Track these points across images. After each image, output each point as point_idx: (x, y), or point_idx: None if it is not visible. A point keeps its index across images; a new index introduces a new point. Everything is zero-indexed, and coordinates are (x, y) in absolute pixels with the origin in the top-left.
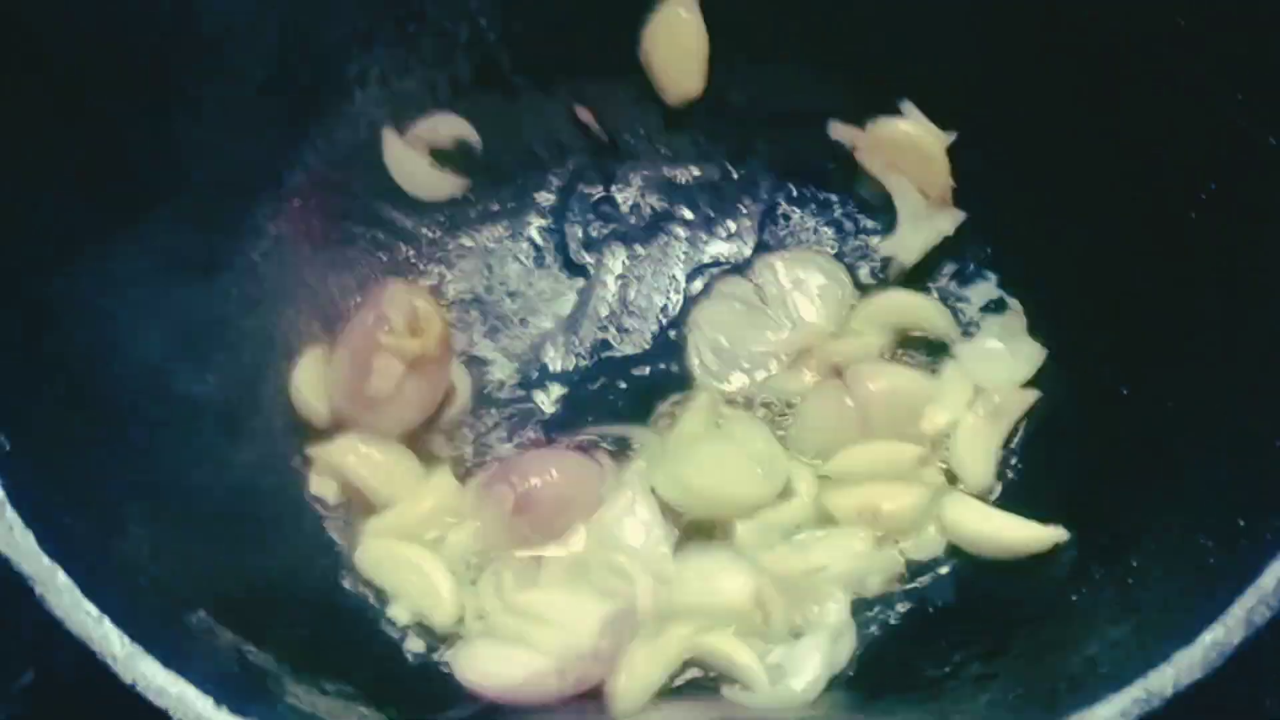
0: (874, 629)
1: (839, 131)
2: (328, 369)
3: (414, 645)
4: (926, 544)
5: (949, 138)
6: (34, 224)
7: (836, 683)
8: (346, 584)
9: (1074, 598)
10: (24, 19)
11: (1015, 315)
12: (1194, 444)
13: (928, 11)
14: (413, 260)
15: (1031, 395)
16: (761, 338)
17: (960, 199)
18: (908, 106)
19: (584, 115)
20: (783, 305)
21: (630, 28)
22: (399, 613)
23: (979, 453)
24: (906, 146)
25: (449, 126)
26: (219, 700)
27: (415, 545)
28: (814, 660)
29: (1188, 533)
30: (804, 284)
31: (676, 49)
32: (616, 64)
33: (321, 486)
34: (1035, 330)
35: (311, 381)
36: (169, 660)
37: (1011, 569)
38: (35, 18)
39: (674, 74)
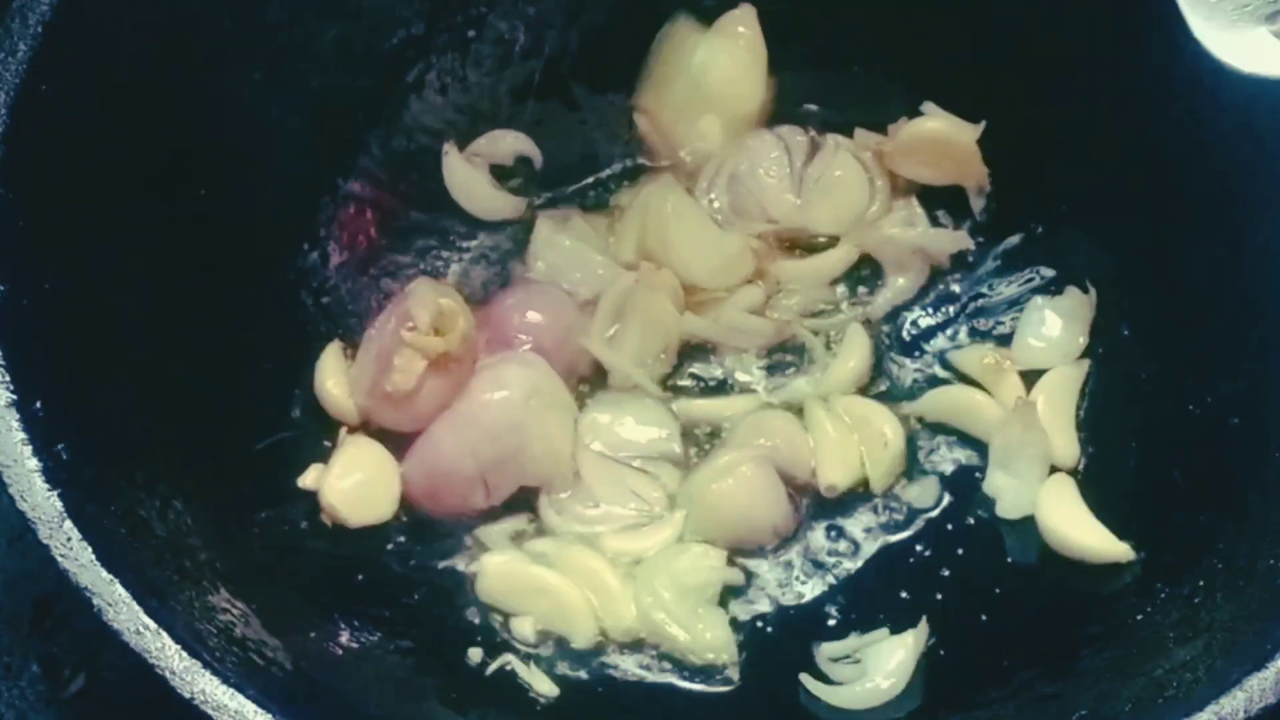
0: (933, 642)
1: (863, 139)
2: (352, 365)
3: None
4: (927, 492)
5: (978, 129)
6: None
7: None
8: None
9: (1139, 617)
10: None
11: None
12: (1261, 461)
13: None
14: (461, 272)
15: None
16: None
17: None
18: (929, 106)
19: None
20: None
21: None
22: (525, 627)
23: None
24: (938, 144)
25: (510, 142)
26: (278, 715)
27: (535, 564)
28: (899, 657)
29: (1254, 553)
30: None
31: (736, 66)
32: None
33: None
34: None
35: (335, 377)
36: (226, 674)
37: (1075, 585)
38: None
39: (733, 90)
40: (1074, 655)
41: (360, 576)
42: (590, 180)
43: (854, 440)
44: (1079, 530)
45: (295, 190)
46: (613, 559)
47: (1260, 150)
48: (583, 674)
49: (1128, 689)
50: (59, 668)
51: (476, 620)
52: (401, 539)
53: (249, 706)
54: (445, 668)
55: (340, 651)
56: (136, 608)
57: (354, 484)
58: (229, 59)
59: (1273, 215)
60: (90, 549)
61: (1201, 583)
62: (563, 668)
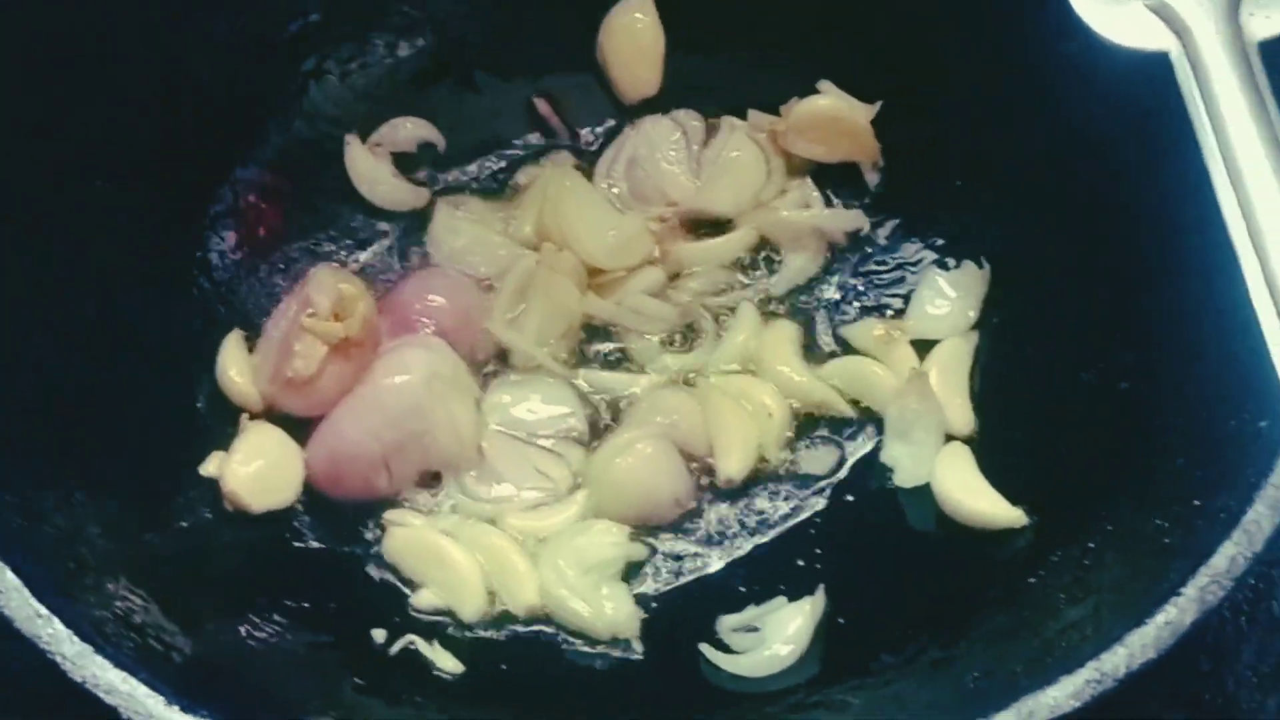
0: (831, 610)
1: (756, 120)
2: (256, 351)
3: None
4: (823, 459)
5: (873, 109)
6: None
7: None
8: None
9: (1031, 580)
10: None
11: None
12: (1149, 425)
13: None
14: (363, 258)
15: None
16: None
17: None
18: (825, 85)
19: (543, 108)
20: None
21: (590, 23)
22: (425, 599)
23: (954, 393)
24: (831, 122)
25: (412, 129)
26: (171, 699)
27: (442, 535)
28: (796, 624)
29: (1144, 514)
30: None
31: (633, 50)
32: (576, 60)
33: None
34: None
35: (237, 365)
36: (120, 659)
37: (970, 551)
38: None
39: (631, 75)
40: (969, 620)
41: (264, 562)
42: (492, 163)
43: (749, 424)
44: (974, 497)
45: (193, 179)
46: (517, 537)
47: (1143, 123)
48: (487, 651)
49: (1020, 650)
50: None
51: (380, 601)
52: (304, 524)
53: (140, 689)
54: (350, 650)
55: (243, 636)
56: (27, 594)
57: (255, 470)
58: (123, 47)
59: (1158, 186)
60: None
61: (1092, 545)
62: (468, 645)
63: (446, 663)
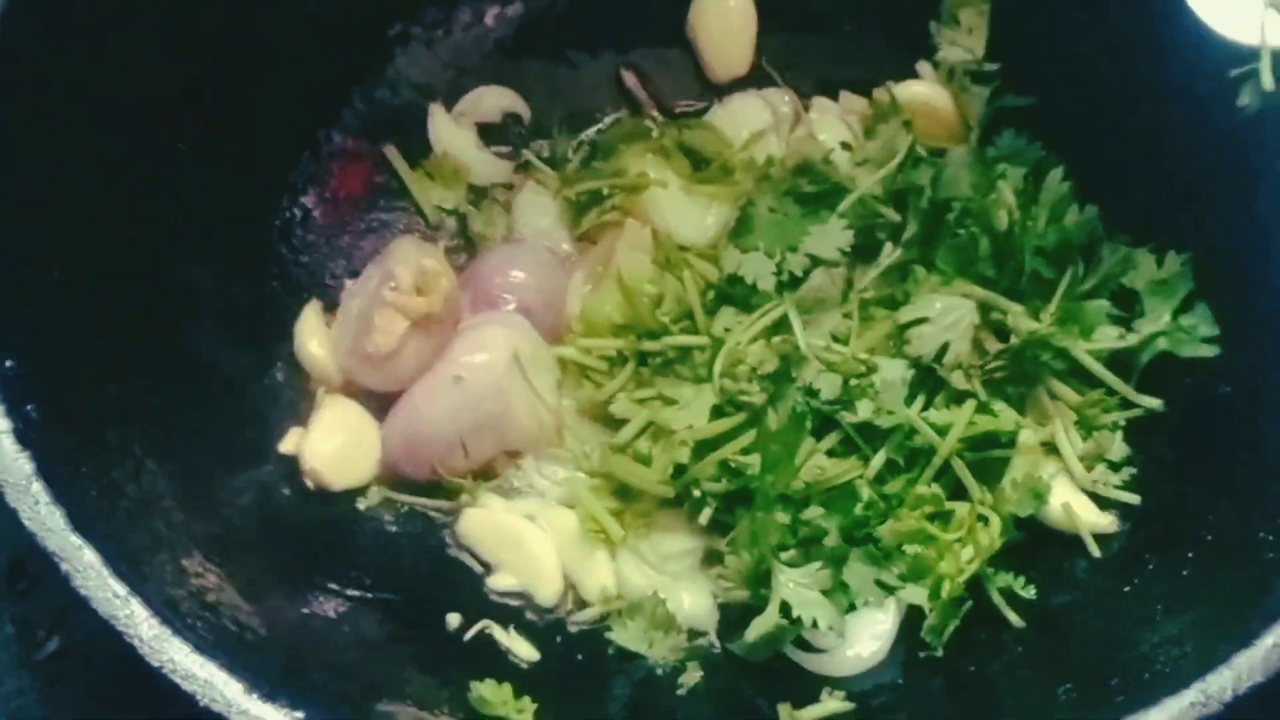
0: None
1: (849, 102)
2: (333, 324)
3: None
4: None
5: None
6: (71, 194)
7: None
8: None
9: (1126, 589)
10: None
11: None
12: (1252, 430)
13: None
14: (446, 231)
15: None
16: None
17: None
18: (924, 68)
19: (630, 81)
20: None
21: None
22: (502, 581)
23: None
24: (925, 108)
25: (497, 99)
26: (250, 686)
27: (519, 518)
28: (879, 625)
29: (1246, 525)
30: None
31: (724, 30)
32: (665, 34)
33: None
34: None
35: (316, 337)
36: (199, 644)
37: (1060, 555)
38: None
39: (721, 55)
40: (1060, 627)
41: (339, 540)
42: (578, 136)
43: None
44: (1063, 500)
45: (276, 144)
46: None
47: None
48: (562, 640)
49: (1116, 663)
50: (33, 629)
51: (455, 584)
52: (380, 501)
53: (219, 675)
54: (424, 633)
55: (317, 617)
56: (105, 573)
57: (335, 447)
58: (210, 8)
59: (1270, 187)
60: (59, 512)
61: (1190, 554)
62: (542, 633)
63: (522, 649)
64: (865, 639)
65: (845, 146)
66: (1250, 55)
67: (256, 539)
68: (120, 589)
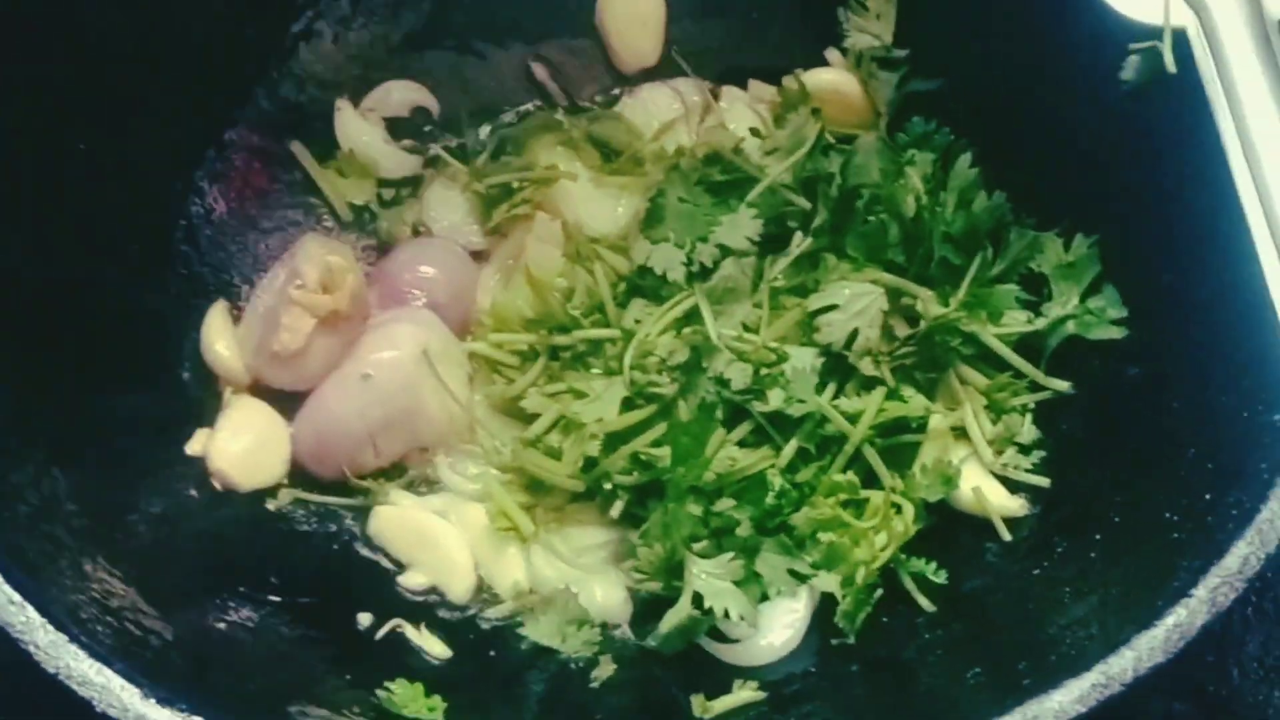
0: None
1: (758, 90)
2: (241, 323)
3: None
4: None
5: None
6: None
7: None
8: None
9: (1035, 571)
10: None
11: None
12: (1161, 414)
13: None
14: (352, 227)
15: None
16: None
17: None
18: (833, 55)
19: (540, 73)
20: None
21: None
22: (415, 579)
23: None
24: (834, 95)
25: (404, 93)
26: (147, 691)
27: (430, 515)
28: (791, 614)
29: (1152, 507)
30: None
31: (633, 20)
32: (575, 25)
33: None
34: None
35: (223, 338)
36: (95, 648)
37: (970, 539)
38: None
39: (630, 46)
40: (970, 611)
41: (248, 542)
42: (487, 129)
43: None
44: (973, 484)
45: (178, 141)
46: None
47: (1158, 103)
48: (474, 637)
49: (1025, 646)
50: None
51: (366, 583)
52: (290, 502)
53: (116, 681)
54: (335, 634)
55: (226, 620)
56: (0, 579)
57: (243, 448)
58: (110, 6)
59: (1172, 168)
60: None
61: (1098, 537)
62: (455, 630)
63: (434, 647)
64: (778, 628)
65: (754, 133)
66: (1153, 35)
67: (163, 543)
68: (15, 595)
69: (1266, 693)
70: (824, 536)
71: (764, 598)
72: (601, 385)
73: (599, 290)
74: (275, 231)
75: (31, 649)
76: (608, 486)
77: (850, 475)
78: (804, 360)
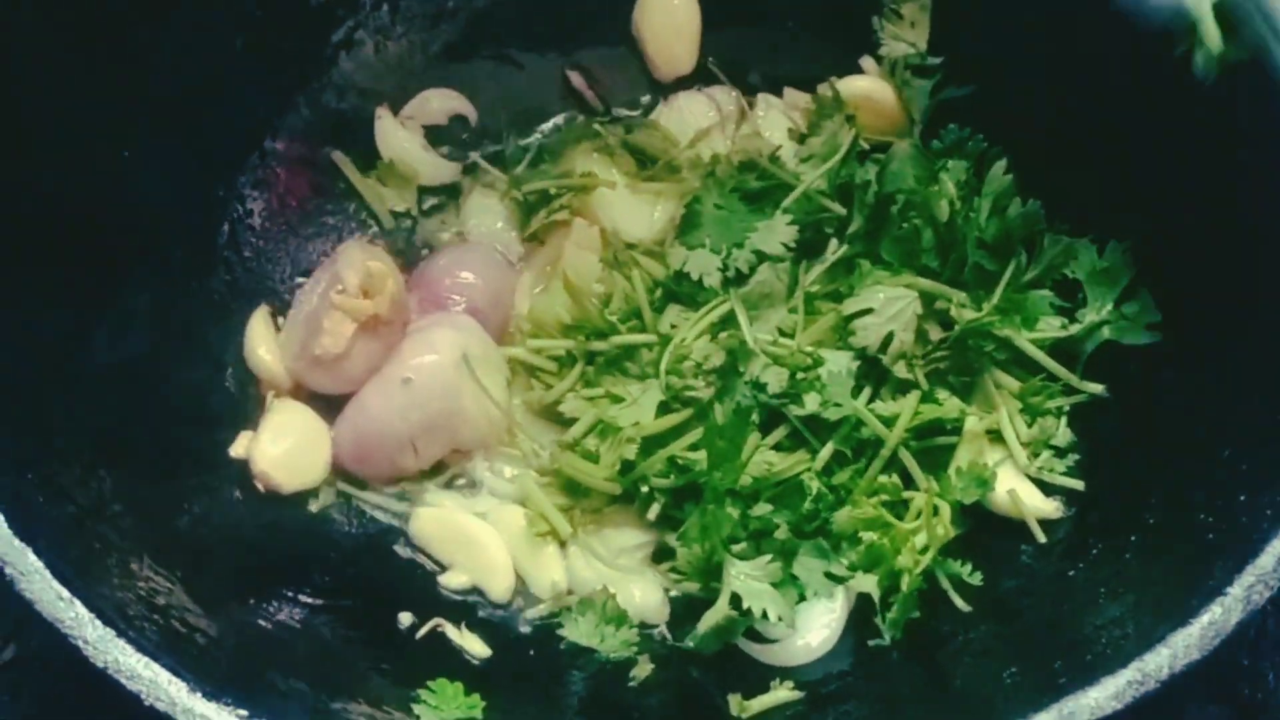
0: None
1: (792, 98)
2: (283, 328)
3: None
4: None
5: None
6: (14, 202)
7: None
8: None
9: (1071, 573)
10: None
11: None
12: (1195, 417)
13: None
14: (393, 233)
15: None
16: None
17: None
18: (868, 63)
19: (577, 82)
20: None
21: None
22: (455, 579)
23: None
24: (867, 102)
25: (444, 101)
26: (194, 686)
27: (471, 516)
28: (829, 614)
29: (1187, 508)
30: None
31: (668, 28)
32: (611, 33)
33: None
34: None
35: (265, 343)
36: (142, 644)
37: (1005, 542)
38: None
39: (665, 53)
40: (1007, 612)
41: (291, 543)
42: (525, 137)
43: None
44: (1009, 487)
45: (222, 148)
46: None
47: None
48: (515, 636)
49: (1060, 645)
50: None
51: (407, 583)
52: (333, 504)
53: (164, 675)
54: (376, 634)
55: (269, 618)
56: (49, 576)
57: (285, 450)
58: (152, 12)
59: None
60: (2, 517)
61: (1134, 538)
62: (495, 630)
63: (474, 646)
64: (815, 629)
65: (793, 136)
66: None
67: (207, 543)
68: (64, 592)
69: None
70: (865, 536)
71: (801, 599)
72: (638, 389)
73: (636, 296)
74: (316, 237)
75: (81, 644)
76: (645, 489)
77: (893, 477)
78: (839, 364)
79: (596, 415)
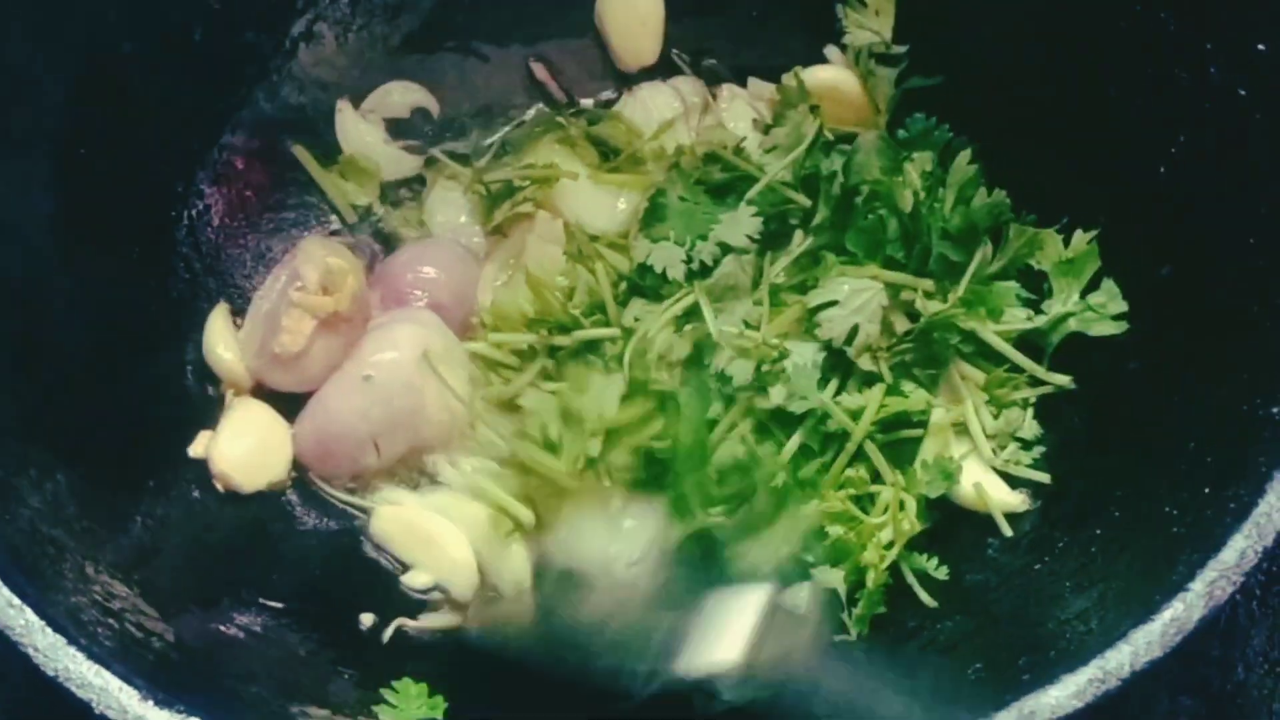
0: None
1: (757, 88)
2: (242, 326)
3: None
4: None
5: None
6: None
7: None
8: None
9: (1037, 566)
10: None
11: None
12: (1161, 409)
13: None
14: (354, 229)
15: None
16: None
17: None
18: (832, 52)
19: (541, 73)
20: None
21: None
22: (417, 578)
23: None
24: (832, 93)
25: (405, 94)
26: (146, 693)
27: (431, 514)
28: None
29: (1152, 501)
30: None
31: (632, 19)
32: (575, 25)
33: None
34: None
35: (224, 340)
36: (94, 651)
37: (971, 535)
38: None
39: (629, 45)
40: (971, 607)
41: (250, 543)
42: (488, 129)
43: None
44: (974, 480)
45: (179, 143)
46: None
47: None
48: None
49: (1024, 641)
50: None
51: (369, 583)
52: (293, 504)
53: (114, 683)
54: (338, 636)
55: (229, 621)
56: None
57: (245, 450)
58: (107, 8)
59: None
60: None
61: (1099, 531)
62: (459, 630)
63: (440, 622)
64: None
65: (758, 126)
66: None
67: (165, 545)
68: (14, 599)
69: (1272, 687)
70: (831, 529)
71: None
72: (600, 380)
73: (599, 289)
74: (277, 233)
75: (31, 651)
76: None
77: (860, 471)
78: (805, 356)
79: (558, 405)
